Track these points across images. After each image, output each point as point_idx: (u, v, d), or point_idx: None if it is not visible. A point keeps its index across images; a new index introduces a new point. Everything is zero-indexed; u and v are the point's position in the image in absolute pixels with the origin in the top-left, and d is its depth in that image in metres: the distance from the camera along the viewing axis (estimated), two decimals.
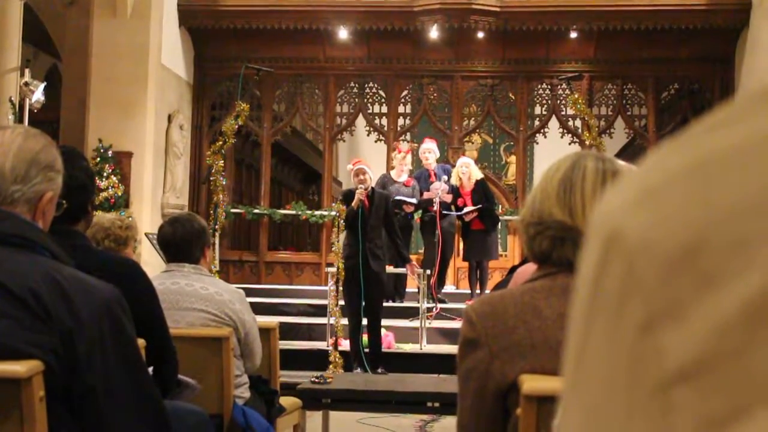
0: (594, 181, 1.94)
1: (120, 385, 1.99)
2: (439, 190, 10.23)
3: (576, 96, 11.97)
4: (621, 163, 2.04)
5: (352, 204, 8.40)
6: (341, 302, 8.78)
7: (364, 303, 8.44)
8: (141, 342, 2.56)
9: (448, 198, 10.44)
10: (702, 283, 0.42)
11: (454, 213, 10.56)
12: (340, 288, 8.73)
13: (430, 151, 10.77)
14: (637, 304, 0.44)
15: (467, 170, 10.78)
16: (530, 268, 2.33)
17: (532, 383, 1.81)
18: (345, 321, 8.71)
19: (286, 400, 4.79)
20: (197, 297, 3.96)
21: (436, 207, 10.23)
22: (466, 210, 10.56)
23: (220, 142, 10.53)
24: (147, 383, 2.10)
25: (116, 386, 1.98)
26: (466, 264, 11.54)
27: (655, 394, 0.42)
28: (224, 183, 10.60)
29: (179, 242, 4.03)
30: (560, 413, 0.50)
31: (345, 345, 8.81)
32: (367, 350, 8.55)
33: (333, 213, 9.72)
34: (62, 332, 1.90)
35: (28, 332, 1.89)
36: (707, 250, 0.42)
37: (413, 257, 11.68)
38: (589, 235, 0.49)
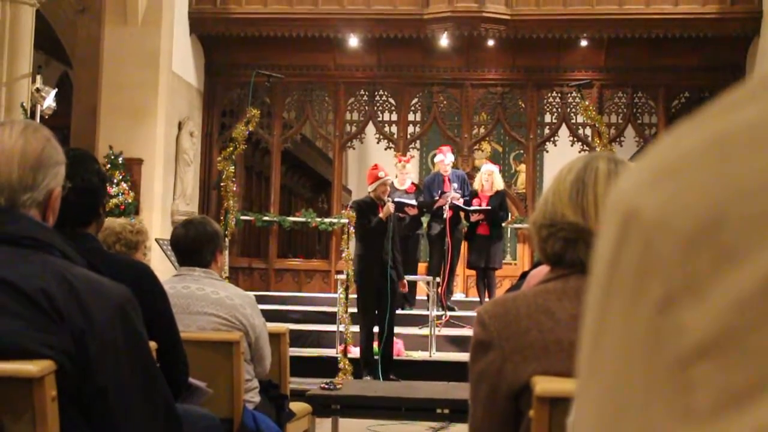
0: (606, 183, 1.94)
1: (132, 386, 1.99)
2: (449, 197, 10.22)
3: (587, 103, 11.96)
4: (633, 164, 2.04)
5: (381, 216, 8.42)
6: (351, 309, 8.79)
7: (377, 312, 8.48)
8: (152, 344, 2.56)
9: (460, 202, 10.41)
10: (721, 259, 0.42)
11: (463, 206, 10.51)
12: (350, 295, 8.73)
13: (445, 162, 10.77)
14: (655, 281, 0.44)
15: (490, 178, 10.76)
16: (543, 270, 2.32)
17: (545, 385, 1.80)
18: (354, 328, 8.71)
19: (296, 406, 4.78)
20: (208, 301, 3.96)
21: (446, 214, 10.21)
22: (475, 207, 10.52)
23: (231, 148, 10.55)
24: (159, 385, 2.10)
25: (128, 387, 1.98)
26: (475, 272, 11.52)
27: (674, 370, 0.42)
28: (234, 189, 10.60)
29: (190, 244, 4.03)
30: (577, 394, 0.50)
31: (354, 352, 8.81)
32: (376, 357, 8.56)
33: (343, 221, 9.73)
34: (74, 333, 1.90)
35: (40, 332, 1.89)
36: (726, 225, 0.42)
37: (422, 265, 11.71)
38: (605, 215, 0.49)
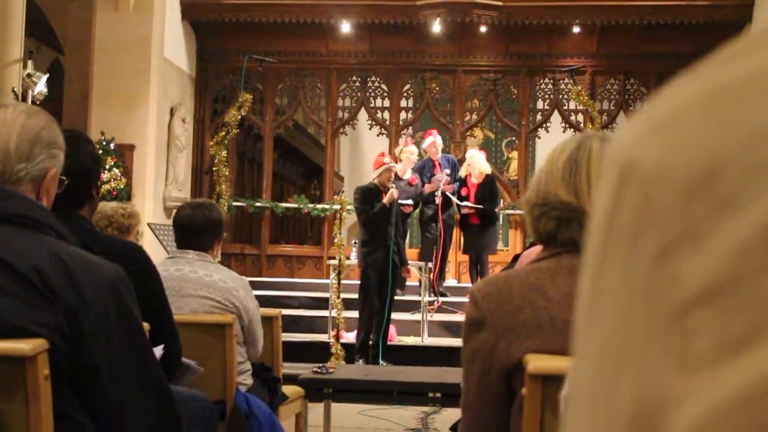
0: (599, 162, 1.94)
1: (125, 365, 1.99)
2: (441, 182, 10.21)
3: (579, 88, 11.97)
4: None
5: (384, 201, 8.46)
6: (343, 295, 8.82)
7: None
8: (145, 325, 2.56)
9: (450, 188, 10.41)
10: (720, 208, 0.42)
11: (455, 200, 10.52)
12: (342, 281, 8.76)
13: (435, 144, 10.72)
14: (654, 232, 0.44)
15: (472, 162, 10.77)
16: (534, 251, 2.33)
17: (537, 362, 1.80)
18: (346, 314, 8.75)
19: (288, 389, 4.79)
20: (201, 284, 3.96)
21: (438, 200, 10.21)
22: (465, 204, 10.55)
23: (223, 133, 10.54)
24: (152, 363, 2.10)
25: (121, 365, 1.98)
26: (467, 258, 11.55)
27: (673, 319, 0.42)
28: (227, 174, 10.59)
29: (194, 227, 4.01)
30: (575, 349, 0.50)
31: (346, 337, 8.84)
32: (371, 343, 8.61)
33: (335, 207, 9.70)
34: (67, 311, 1.90)
35: (33, 311, 1.89)
36: (724, 174, 0.42)
37: (413, 251, 11.73)
38: (603, 171, 0.49)
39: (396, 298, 10.48)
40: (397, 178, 10.24)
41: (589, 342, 0.48)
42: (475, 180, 10.71)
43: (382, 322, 8.57)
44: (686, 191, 0.43)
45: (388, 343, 8.92)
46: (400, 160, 10.49)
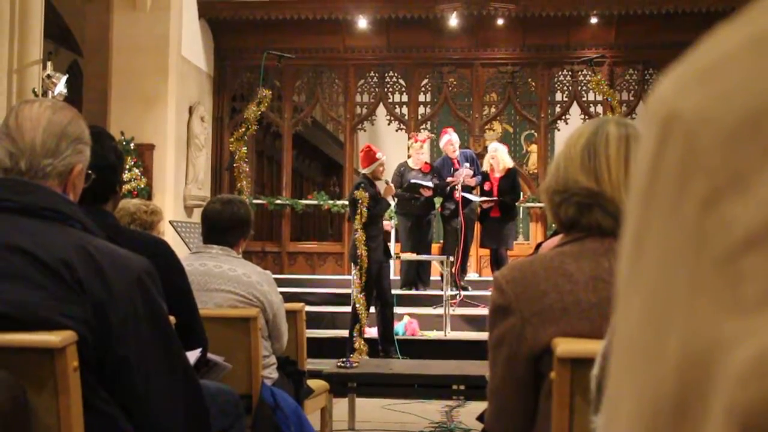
0: (617, 146, 1.93)
1: (152, 356, 2.00)
2: (461, 176, 10.19)
3: (598, 77, 11.92)
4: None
5: (384, 195, 8.51)
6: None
7: (377, 290, 8.59)
8: (171, 318, 2.57)
9: (472, 182, 10.39)
10: (766, 152, 0.42)
11: (475, 198, 10.51)
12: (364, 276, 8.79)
13: (452, 142, 10.71)
14: (700, 180, 0.43)
15: (495, 156, 10.73)
16: (558, 238, 2.32)
17: (566, 346, 1.80)
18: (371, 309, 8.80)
19: (313, 383, 4.80)
20: (225, 278, 3.96)
21: (458, 194, 10.19)
22: (484, 198, 10.52)
23: (243, 129, 10.55)
24: (179, 355, 2.10)
25: (149, 357, 1.99)
26: (488, 252, 11.52)
27: (721, 264, 0.42)
28: (247, 170, 10.62)
29: (223, 223, 4.02)
30: (619, 305, 0.50)
31: (370, 332, 8.85)
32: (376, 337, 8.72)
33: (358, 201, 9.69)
34: (95, 303, 1.91)
35: (61, 303, 1.90)
36: None
37: (435, 246, 11.71)
38: (644, 123, 0.48)
39: (419, 292, 10.52)
40: (410, 169, 10.25)
41: (633, 296, 0.47)
42: (497, 174, 10.67)
43: (386, 314, 8.62)
44: (733, 136, 0.42)
45: (411, 337, 8.92)
46: (410, 156, 10.52)
